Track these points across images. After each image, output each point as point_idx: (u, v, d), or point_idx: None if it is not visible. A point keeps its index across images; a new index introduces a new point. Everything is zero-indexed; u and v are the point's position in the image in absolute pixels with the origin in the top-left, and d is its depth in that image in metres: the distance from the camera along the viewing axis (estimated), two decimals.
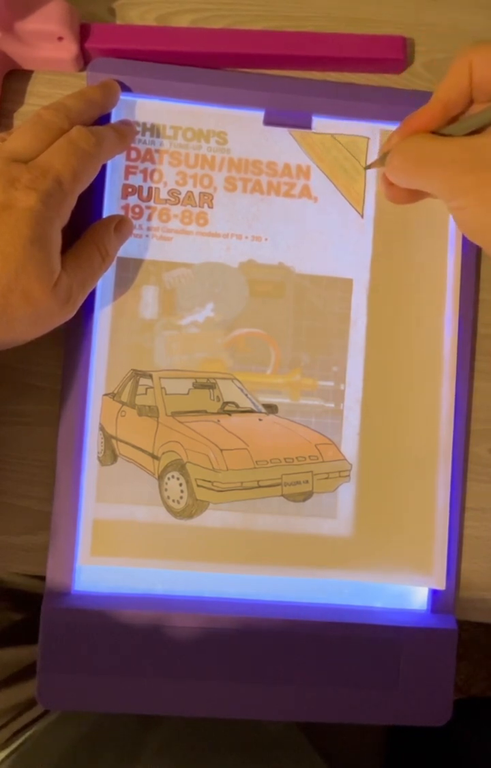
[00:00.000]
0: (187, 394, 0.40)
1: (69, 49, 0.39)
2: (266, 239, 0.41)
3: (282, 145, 0.41)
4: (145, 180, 0.40)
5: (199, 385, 0.40)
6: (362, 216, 0.41)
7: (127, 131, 0.39)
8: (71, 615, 0.38)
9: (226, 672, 0.38)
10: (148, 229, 0.40)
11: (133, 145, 0.40)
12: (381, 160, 0.35)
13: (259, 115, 0.41)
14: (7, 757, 0.45)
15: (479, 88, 0.31)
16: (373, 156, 0.41)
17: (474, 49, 0.31)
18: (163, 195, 0.40)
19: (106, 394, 0.39)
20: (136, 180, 0.40)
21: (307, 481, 0.40)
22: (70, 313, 0.36)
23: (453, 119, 0.33)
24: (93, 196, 0.39)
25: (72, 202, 0.34)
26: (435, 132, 0.33)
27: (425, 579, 0.40)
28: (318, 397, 0.40)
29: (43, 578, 0.39)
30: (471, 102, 0.32)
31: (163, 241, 0.40)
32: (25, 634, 0.47)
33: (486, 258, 0.42)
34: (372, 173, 0.41)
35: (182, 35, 0.40)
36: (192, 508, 0.39)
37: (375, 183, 0.41)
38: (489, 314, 0.42)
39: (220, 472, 0.39)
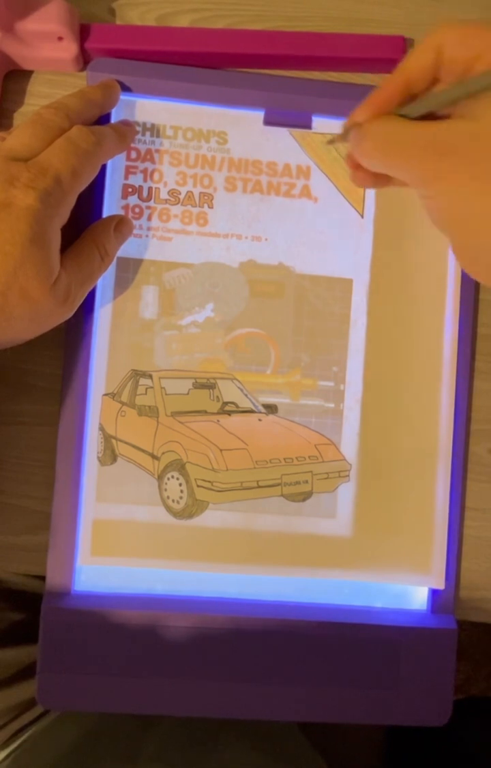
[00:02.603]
0: (187, 394, 0.40)
1: (69, 49, 0.39)
2: (266, 239, 0.41)
3: (282, 145, 0.41)
4: (145, 180, 0.40)
5: (199, 385, 0.40)
6: (362, 216, 0.41)
7: (127, 131, 0.39)
8: (71, 615, 0.38)
9: (226, 672, 0.38)
10: (148, 229, 0.40)
11: (133, 145, 0.40)
12: (344, 135, 0.34)
13: (259, 115, 0.41)
14: (7, 757, 0.45)
15: (447, 68, 0.31)
16: None
17: (444, 29, 0.30)
18: (163, 195, 0.40)
19: (105, 394, 0.39)
20: (136, 180, 0.40)
21: (307, 481, 0.40)
22: (69, 313, 0.36)
23: (414, 97, 0.32)
24: (93, 195, 0.39)
25: (71, 201, 0.34)
26: (398, 110, 0.32)
27: (424, 579, 0.40)
28: (318, 397, 0.40)
29: (43, 578, 0.39)
30: (435, 81, 0.32)
31: (163, 241, 0.40)
32: (25, 634, 0.47)
33: None
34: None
35: (182, 35, 0.40)
36: (192, 508, 0.39)
37: None
38: (489, 314, 0.42)
39: (219, 472, 0.39)
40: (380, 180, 0.35)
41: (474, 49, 0.29)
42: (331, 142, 0.36)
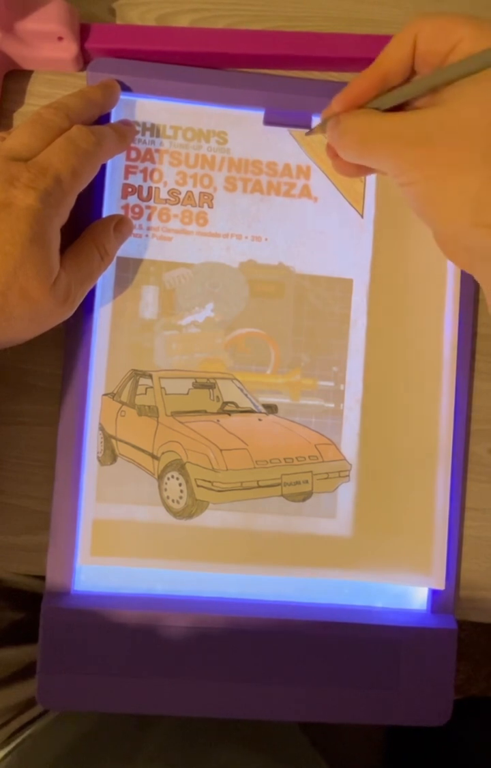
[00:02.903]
0: (187, 394, 0.40)
1: (69, 49, 0.39)
2: (266, 239, 0.41)
3: (282, 145, 0.41)
4: (145, 180, 0.40)
5: (198, 385, 0.40)
6: (362, 216, 0.41)
7: (127, 131, 0.39)
8: (71, 615, 0.38)
9: (226, 672, 0.38)
10: (148, 229, 0.40)
11: (133, 145, 0.40)
12: (322, 127, 0.34)
13: (259, 115, 0.41)
14: (6, 756, 0.45)
15: (423, 60, 0.31)
16: None
17: (420, 21, 0.30)
18: (163, 195, 0.40)
19: (105, 394, 0.39)
20: (136, 180, 0.40)
21: (307, 481, 0.40)
22: (69, 312, 0.36)
23: (392, 89, 0.32)
24: (93, 195, 0.39)
25: (71, 201, 0.34)
26: (373, 102, 0.32)
27: (424, 579, 0.40)
28: (318, 397, 0.40)
29: (43, 578, 0.39)
30: (412, 74, 0.32)
31: (163, 241, 0.40)
32: (25, 634, 0.47)
33: None
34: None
35: (182, 35, 0.40)
36: (191, 508, 0.39)
37: (375, 183, 0.41)
38: (489, 314, 0.42)
39: (219, 472, 0.39)
40: (361, 169, 0.35)
41: (449, 40, 0.30)
42: (309, 133, 0.36)
